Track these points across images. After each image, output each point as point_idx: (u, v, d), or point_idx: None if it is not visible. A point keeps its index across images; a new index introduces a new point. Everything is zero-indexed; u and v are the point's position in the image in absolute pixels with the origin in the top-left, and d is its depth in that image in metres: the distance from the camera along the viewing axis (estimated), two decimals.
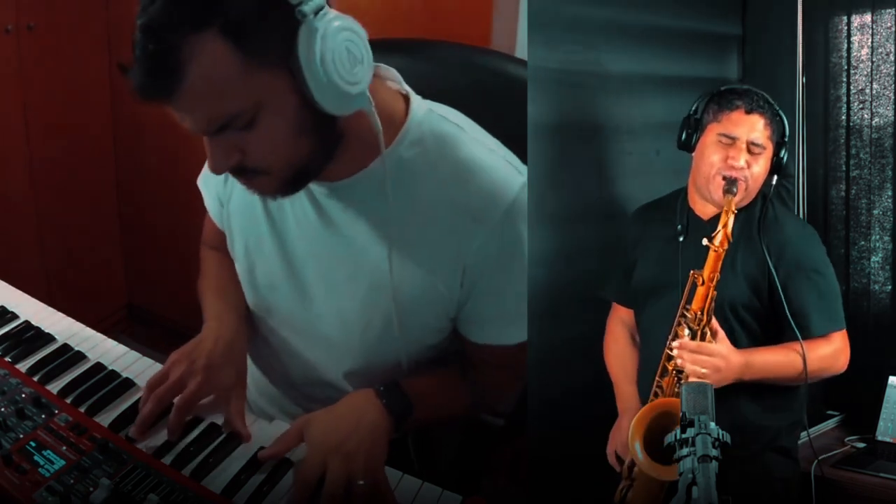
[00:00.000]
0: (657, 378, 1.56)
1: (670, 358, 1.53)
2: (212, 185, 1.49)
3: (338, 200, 1.27)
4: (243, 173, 1.15)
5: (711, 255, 1.48)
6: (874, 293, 2.05)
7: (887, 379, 1.93)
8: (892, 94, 2.00)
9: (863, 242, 2.06)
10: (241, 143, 1.10)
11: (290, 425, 1.28)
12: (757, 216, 1.58)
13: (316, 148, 1.14)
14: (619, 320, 1.76)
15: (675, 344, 1.51)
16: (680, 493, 0.90)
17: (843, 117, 2.06)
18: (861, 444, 1.92)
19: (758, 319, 1.57)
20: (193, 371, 1.32)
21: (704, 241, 1.48)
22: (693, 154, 1.61)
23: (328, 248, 1.31)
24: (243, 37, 1.03)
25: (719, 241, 1.47)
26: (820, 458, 1.79)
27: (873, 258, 2.05)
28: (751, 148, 1.54)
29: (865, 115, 2.03)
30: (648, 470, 1.40)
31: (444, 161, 1.23)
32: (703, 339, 1.50)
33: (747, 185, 1.54)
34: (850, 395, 2.02)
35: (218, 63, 1.02)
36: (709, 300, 1.49)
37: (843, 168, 2.07)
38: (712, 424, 0.96)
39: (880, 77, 2.01)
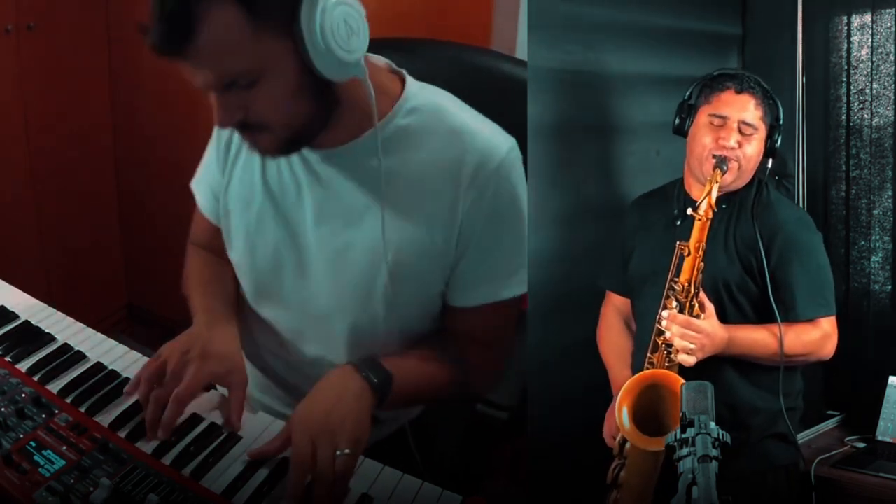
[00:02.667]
0: (648, 354, 1.56)
1: (661, 333, 1.54)
2: (206, 183, 1.54)
3: (334, 167, 1.34)
4: (247, 128, 1.25)
5: (697, 224, 1.50)
6: (874, 293, 2.05)
7: (887, 379, 1.92)
8: (892, 94, 1.99)
9: (863, 242, 2.06)
10: (245, 100, 1.19)
11: (282, 427, 1.28)
12: (752, 198, 1.59)
13: (314, 111, 1.24)
14: (614, 308, 1.76)
15: (664, 314, 1.52)
16: (680, 493, 0.90)
17: (843, 117, 2.06)
18: (861, 444, 1.92)
19: (750, 301, 1.57)
20: (188, 361, 1.34)
21: (689, 211, 1.50)
22: (687, 139, 1.63)
23: (325, 216, 1.36)
24: (253, 3, 1.13)
25: (703, 209, 1.49)
26: (820, 458, 1.80)
27: (873, 258, 2.05)
28: (742, 128, 1.56)
29: (865, 115, 2.03)
30: (635, 439, 1.40)
31: (438, 126, 1.32)
32: (690, 311, 1.51)
33: (740, 164, 1.55)
34: (850, 395, 2.02)
35: (228, 26, 1.12)
36: (696, 272, 1.50)
37: (843, 168, 2.07)
38: (712, 424, 0.96)
39: (880, 77, 2.01)
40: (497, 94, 1.46)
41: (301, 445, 1.21)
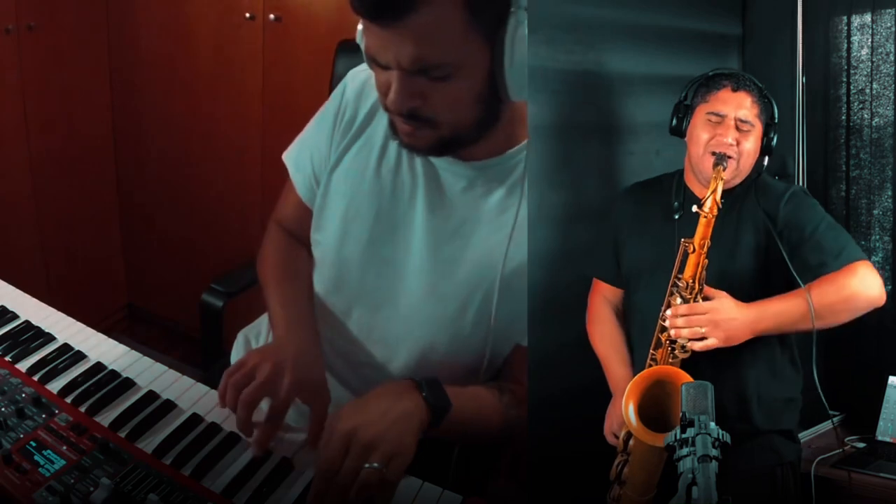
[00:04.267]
0: (651, 350, 1.56)
1: (664, 329, 1.53)
2: (306, 159, 1.50)
3: (464, 180, 1.34)
4: (414, 119, 1.24)
5: (702, 221, 1.50)
6: None
7: (887, 379, 1.93)
8: (892, 94, 2.00)
9: (863, 242, 2.06)
10: (428, 90, 1.20)
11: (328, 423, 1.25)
12: (751, 190, 1.59)
13: (481, 120, 1.26)
14: (604, 299, 1.75)
15: (668, 313, 1.52)
16: (680, 493, 0.90)
17: (843, 117, 2.06)
18: (861, 444, 1.92)
19: (763, 288, 1.55)
20: (283, 371, 1.30)
21: (694, 208, 1.51)
22: (685, 139, 1.64)
23: (437, 224, 1.35)
24: (476, 3, 1.15)
25: (709, 206, 1.49)
26: (820, 458, 1.79)
27: (873, 258, 2.05)
28: (739, 125, 1.57)
29: (865, 115, 2.03)
30: (642, 436, 1.40)
31: None
32: None
33: (738, 162, 1.56)
34: (850, 395, 2.02)
35: (450, 15, 1.14)
36: (700, 268, 1.50)
37: (843, 168, 2.07)
38: (712, 424, 0.96)
39: (880, 77, 2.01)
40: None
41: (332, 447, 1.18)
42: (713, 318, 1.48)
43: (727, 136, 1.55)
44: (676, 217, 1.63)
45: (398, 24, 1.12)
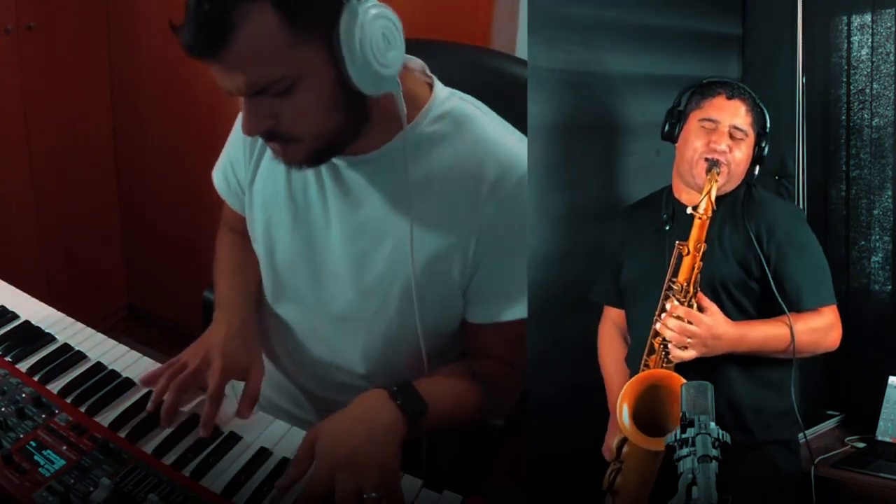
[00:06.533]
0: (644, 357, 1.57)
1: (657, 335, 1.54)
2: (229, 172, 1.53)
3: (359, 173, 1.32)
4: (274, 138, 1.22)
5: (696, 223, 1.51)
6: (874, 293, 2.05)
7: (887, 379, 1.92)
8: (892, 94, 1.99)
9: (863, 242, 2.06)
10: (275, 108, 1.16)
11: (303, 439, 1.23)
12: (742, 198, 1.60)
13: (344, 124, 1.21)
14: (611, 322, 1.76)
15: (662, 317, 1.52)
16: (680, 493, 0.90)
17: (843, 117, 2.06)
18: (861, 444, 1.92)
19: (750, 298, 1.58)
20: (211, 359, 1.36)
21: (689, 210, 1.52)
22: (676, 145, 1.64)
23: (347, 220, 1.35)
24: (292, 10, 1.10)
25: (703, 208, 1.50)
26: (820, 458, 1.79)
27: (873, 258, 2.05)
28: (733, 133, 1.57)
29: (865, 115, 2.03)
30: (636, 440, 1.40)
31: (463, 135, 1.30)
32: None
33: (730, 169, 1.57)
34: (850, 395, 2.02)
35: (265, 31, 1.10)
36: (695, 271, 1.51)
37: (843, 168, 2.07)
38: (712, 424, 0.96)
39: (880, 77, 2.01)
40: (497, 94, 1.45)
41: (321, 478, 1.16)
42: (702, 334, 1.49)
43: (721, 143, 1.56)
44: (667, 228, 1.63)
45: (218, 58, 1.10)
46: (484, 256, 1.31)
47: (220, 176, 1.56)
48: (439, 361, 1.41)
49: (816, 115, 2.07)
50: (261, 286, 1.53)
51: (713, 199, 1.51)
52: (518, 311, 1.35)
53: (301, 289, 1.44)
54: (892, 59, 1.99)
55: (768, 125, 1.61)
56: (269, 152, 1.39)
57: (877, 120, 2.02)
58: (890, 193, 2.02)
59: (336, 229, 1.36)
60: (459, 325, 1.41)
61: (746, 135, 1.58)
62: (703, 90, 1.62)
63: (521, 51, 1.87)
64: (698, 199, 1.58)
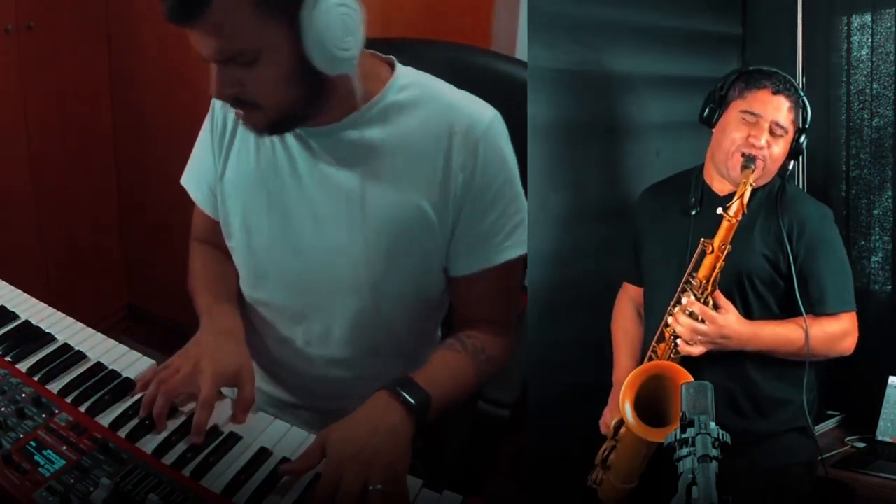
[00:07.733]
0: (654, 343, 1.57)
1: (668, 325, 1.54)
2: (199, 176, 1.58)
3: (323, 144, 1.39)
4: (239, 104, 1.31)
5: (724, 224, 1.49)
6: (874, 293, 2.05)
7: (887, 379, 1.92)
8: (892, 94, 1.99)
9: (863, 242, 2.06)
10: (242, 77, 1.26)
11: (314, 441, 1.27)
12: (775, 193, 1.59)
13: (304, 97, 1.30)
14: (628, 297, 1.77)
15: (675, 309, 1.52)
16: (680, 492, 0.90)
17: (843, 117, 2.06)
18: (861, 444, 1.92)
19: (775, 295, 1.57)
20: (202, 365, 1.37)
21: (719, 210, 1.50)
22: (714, 130, 1.62)
23: (317, 190, 1.41)
24: None
25: (734, 210, 1.49)
26: (820, 458, 1.79)
27: (873, 258, 2.05)
28: (773, 129, 1.55)
29: (865, 115, 2.03)
30: (637, 430, 1.40)
31: (428, 99, 1.39)
32: None
33: (765, 164, 1.55)
34: (850, 395, 2.02)
35: (236, 4, 1.20)
36: (716, 270, 1.50)
37: (843, 168, 2.07)
38: (712, 424, 0.96)
39: (880, 77, 2.01)
40: (497, 94, 1.45)
41: (329, 477, 1.19)
42: (712, 333, 1.49)
43: (760, 139, 1.54)
44: (693, 213, 1.62)
45: (197, 23, 1.20)
46: (462, 209, 1.38)
47: (191, 180, 1.60)
48: (424, 337, 1.47)
49: (816, 115, 2.06)
50: (241, 293, 1.56)
51: (745, 202, 1.49)
52: (498, 255, 1.41)
53: (281, 268, 1.48)
54: (892, 59, 1.99)
55: (809, 120, 1.59)
56: (235, 144, 1.48)
57: (877, 120, 2.02)
58: (890, 193, 2.02)
59: (309, 200, 1.41)
60: (445, 289, 1.48)
61: (787, 132, 1.56)
62: (747, 79, 1.59)
63: (521, 51, 1.87)
64: (728, 187, 1.57)
